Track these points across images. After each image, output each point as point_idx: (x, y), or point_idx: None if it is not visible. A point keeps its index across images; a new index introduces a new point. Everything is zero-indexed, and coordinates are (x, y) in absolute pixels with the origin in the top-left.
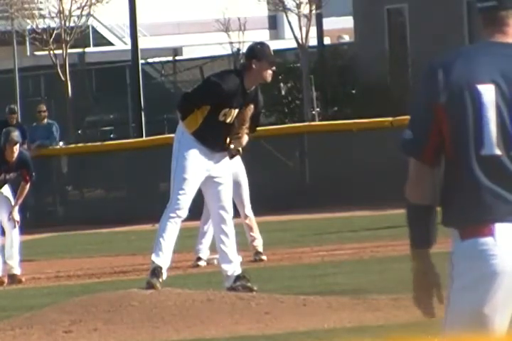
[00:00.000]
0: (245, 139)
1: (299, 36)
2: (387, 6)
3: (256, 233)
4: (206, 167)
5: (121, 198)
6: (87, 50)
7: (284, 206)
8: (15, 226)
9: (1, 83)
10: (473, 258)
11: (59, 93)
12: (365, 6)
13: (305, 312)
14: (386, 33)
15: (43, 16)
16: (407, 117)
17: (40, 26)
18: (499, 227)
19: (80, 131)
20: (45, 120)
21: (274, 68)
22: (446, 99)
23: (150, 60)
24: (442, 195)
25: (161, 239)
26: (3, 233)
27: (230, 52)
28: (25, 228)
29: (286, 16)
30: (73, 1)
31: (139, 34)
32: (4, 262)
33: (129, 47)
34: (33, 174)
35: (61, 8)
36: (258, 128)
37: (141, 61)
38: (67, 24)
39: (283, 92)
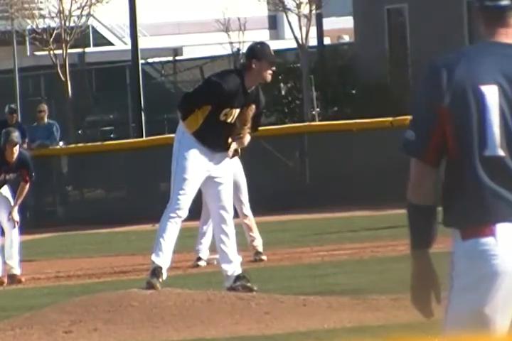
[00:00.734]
0: (247, 139)
1: (299, 36)
2: (387, 6)
3: (255, 233)
4: (207, 167)
5: (121, 198)
6: (87, 50)
7: (284, 206)
8: (14, 227)
9: (1, 83)
10: (474, 258)
11: (59, 93)
12: (365, 6)
13: (305, 312)
14: (386, 33)
15: (43, 16)
16: (407, 117)
17: (40, 26)
18: (500, 228)
19: (80, 131)
20: (46, 120)
21: (274, 68)
22: (449, 101)
23: (150, 60)
24: (444, 195)
25: (161, 239)
26: (3, 233)
27: (230, 52)
28: (25, 228)
29: (286, 16)
30: (73, 1)
31: (139, 34)
32: (4, 262)
33: (129, 47)
34: (33, 174)
35: (61, 8)
36: (258, 128)
37: (141, 61)
38: (67, 24)
39: (283, 92)
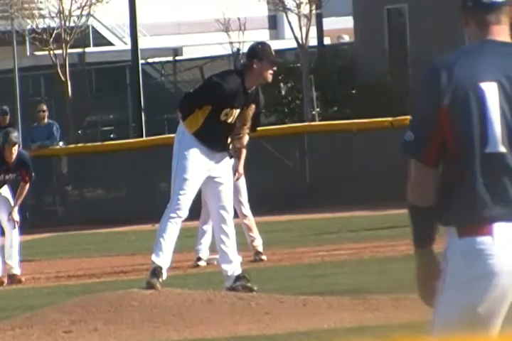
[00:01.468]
0: (246, 139)
1: (299, 36)
2: (387, 6)
3: (255, 233)
4: (207, 167)
5: (121, 198)
6: (87, 50)
7: (284, 206)
8: (15, 227)
9: (1, 83)
10: (471, 256)
11: (59, 93)
12: (365, 6)
13: (305, 312)
14: (386, 33)
15: (43, 16)
16: (407, 117)
17: (40, 26)
18: (498, 227)
19: (80, 131)
20: (46, 120)
21: (275, 68)
22: (450, 100)
23: (150, 60)
24: (442, 194)
25: (161, 239)
26: (3, 233)
27: (230, 52)
28: (25, 228)
29: (286, 16)
30: (73, 1)
31: (139, 34)
32: (4, 262)
33: (129, 47)
34: (33, 174)
35: (61, 8)
36: (258, 128)
37: (141, 61)
38: (67, 24)
39: (283, 92)
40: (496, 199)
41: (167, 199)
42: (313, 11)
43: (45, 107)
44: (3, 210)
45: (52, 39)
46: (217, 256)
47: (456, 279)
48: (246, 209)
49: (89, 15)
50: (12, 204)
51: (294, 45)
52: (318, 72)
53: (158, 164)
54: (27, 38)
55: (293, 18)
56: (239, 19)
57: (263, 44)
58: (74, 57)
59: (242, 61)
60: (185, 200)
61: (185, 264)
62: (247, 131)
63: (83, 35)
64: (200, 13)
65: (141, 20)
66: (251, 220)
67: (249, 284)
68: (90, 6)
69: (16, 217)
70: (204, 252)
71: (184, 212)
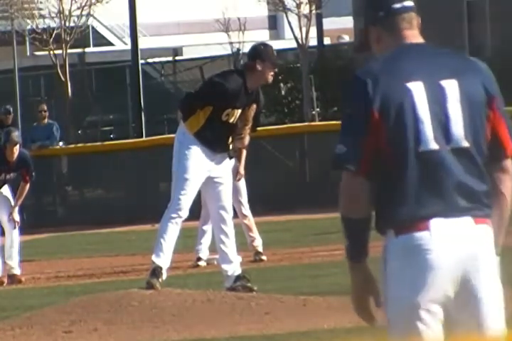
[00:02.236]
0: (247, 139)
1: (299, 36)
2: None
3: (255, 233)
4: (208, 167)
5: (121, 198)
6: (87, 50)
7: (284, 206)
8: (15, 227)
9: (1, 83)
10: (409, 252)
11: (59, 93)
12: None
13: (305, 312)
14: None
15: (43, 16)
16: None
17: (40, 26)
18: (435, 222)
19: (80, 131)
20: (46, 120)
21: (276, 69)
22: (380, 105)
23: (150, 60)
24: (378, 201)
25: (161, 240)
26: (3, 233)
27: (230, 52)
28: (25, 228)
29: (286, 16)
30: (73, 1)
31: (139, 34)
32: (4, 262)
33: (129, 47)
34: (33, 174)
35: (61, 8)
36: (258, 128)
37: (141, 61)
38: (67, 24)
39: (283, 92)
40: (432, 196)
41: (167, 199)
42: (313, 11)
43: (45, 107)
44: (4, 210)
45: (52, 39)
46: (217, 256)
47: (397, 278)
48: (246, 209)
49: (89, 15)
50: (12, 204)
51: (294, 45)
52: (318, 72)
53: (158, 164)
54: (27, 38)
55: (293, 18)
56: (239, 19)
57: (265, 45)
58: (74, 57)
59: (242, 61)
60: (185, 200)
61: (185, 264)
62: (249, 131)
63: (83, 35)
64: (200, 13)
65: (141, 20)
66: (251, 220)
67: (249, 284)
68: (90, 6)
69: (17, 217)
70: (204, 252)
71: (185, 212)
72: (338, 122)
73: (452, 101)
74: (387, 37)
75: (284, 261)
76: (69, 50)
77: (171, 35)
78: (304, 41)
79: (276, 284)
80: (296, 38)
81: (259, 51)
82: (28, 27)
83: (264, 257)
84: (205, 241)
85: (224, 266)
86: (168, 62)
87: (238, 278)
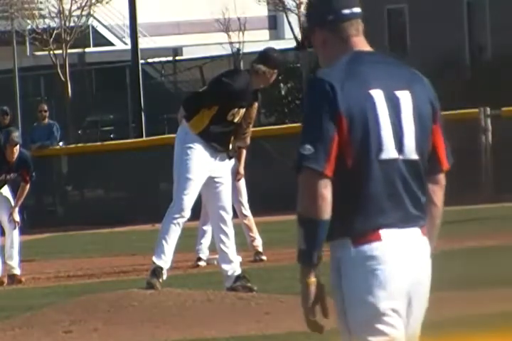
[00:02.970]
0: (249, 138)
1: (299, 36)
2: (387, 6)
3: (255, 233)
4: (209, 167)
5: (121, 198)
6: (87, 50)
7: (284, 206)
8: (15, 227)
9: (1, 83)
10: (367, 263)
11: (59, 93)
12: (365, 6)
13: None
14: (386, 33)
15: (43, 16)
16: None
17: (40, 26)
18: (393, 233)
19: (80, 131)
20: (46, 120)
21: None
22: (346, 109)
23: (150, 60)
24: (337, 205)
25: (163, 241)
26: (3, 233)
27: (230, 52)
28: (25, 228)
29: (286, 16)
30: (73, 1)
31: (139, 34)
32: (4, 262)
33: (129, 47)
34: (33, 174)
35: (61, 8)
36: (258, 129)
37: (141, 61)
38: (67, 24)
39: (283, 92)
40: (391, 207)
41: (167, 199)
42: None
43: (45, 107)
44: (4, 211)
45: (52, 39)
46: (217, 256)
47: (356, 290)
48: (246, 209)
49: (89, 15)
50: (12, 204)
51: (294, 45)
52: None
53: (158, 164)
54: (27, 38)
55: (293, 18)
56: (239, 19)
57: (275, 51)
58: (74, 57)
59: (242, 61)
60: (188, 200)
61: (185, 264)
62: (251, 129)
63: (83, 35)
64: (200, 13)
65: (141, 20)
66: (251, 220)
67: (249, 284)
68: (90, 6)
69: (17, 217)
70: (204, 252)
71: (187, 212)
72: None
73: (406, 113)
74: (333, 41)
75: (284, 261)
76: (69, 50)
77: (171, 35)
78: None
79: (276, 284)
80: (296, 38)
81: (270, 57)
82: (28, 27)
83: (264, 257)
84: (205, 241)
85: (224, 266)
86: (168, 62)
87: (238, 278)
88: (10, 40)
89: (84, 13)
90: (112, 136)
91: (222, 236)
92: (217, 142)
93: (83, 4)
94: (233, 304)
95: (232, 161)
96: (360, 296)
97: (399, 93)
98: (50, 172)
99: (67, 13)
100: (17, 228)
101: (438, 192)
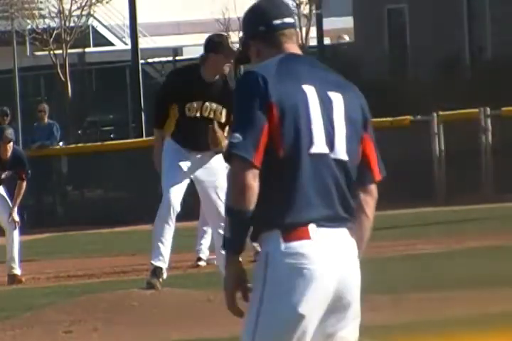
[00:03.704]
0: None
1: (299, 36)
2: (387, 6)
3: None
4: (186, 165)
5: (121, 198)
6: (87, 50)
7: None
8: (15, 227)
9: (1, 83)
10: (294, 260)
11: (59, 93)
12: (365, 6)
13: None
14: (386, 33)
15: (43, 16)
16: (407, 117)
17: (40, 26)
18: (320, 230)
19: (80, 131)
20: (46, 120)
21: (232, 60)
22: (278, 102)
23: (150, 60)
24: (266, 197)
25: (158, 243)
26: (3, 233)
27: None
28: (25, 228)
29: None
30: (73, 1)
31: (139, 34)
32: (4, 262)
33: (129, 47)
34: (29, 172)
35: (61, 8)
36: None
37: (141, 61)
38: (67, 24)
39: None
40: (320, 202)
41: None
42: (313, 11)
43: (45, 107)
44: (3, 210)
45: (52, 39)
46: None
47: (279, 286)
48: None
49: (89, 15)
50: (10, 204)
51: None
52: None
53: None
54: (27, 38)
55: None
56: (239, 19)
57: (220, 36)
58: (74, 57)
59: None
60: (172, 198)
61: (185, 264)
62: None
63: (83, 35)
64: (200, 13)
65: (141, 20)
66: None
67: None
68: (90, 6)
69: (16, 217)
70: (204, 252)
71: (174, 210)
72: None
73: (337, 114)
74: (267, 50)
75: None
76: (69, 50)
77: (171, 35)
78: (304, 41)
79: None
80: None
81: (213, 43)
82: (28, 27)
83: None
84: (205, 242)
85: (223, 267)
86: (168, 62)
87: None
88: (10, 40)
89: (84, 13)
90: (111, 136)
91: (221, 237)
92: (188, 140)
93: (83, 4)
94: None
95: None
96: (280, 294)
97: (331, 94)
98: (50, 172)
99: (67, 13)
100: (17, 228)
101: (370, 203)
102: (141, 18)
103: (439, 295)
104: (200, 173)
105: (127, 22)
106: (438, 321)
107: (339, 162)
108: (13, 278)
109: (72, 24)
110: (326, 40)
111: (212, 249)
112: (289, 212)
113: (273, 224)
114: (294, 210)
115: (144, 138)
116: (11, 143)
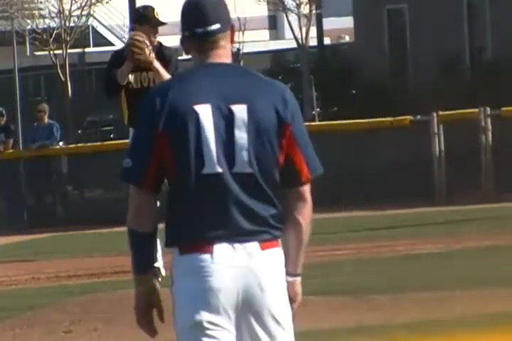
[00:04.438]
0: None
1: (298, 36)
2: (387, 6)
3: None
4: None
5: (121, 198)
6: (87, 50)
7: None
8: None
9: (1, 83)
10: (191, 273)
11: (59, 93)
12: (365, 6)
13: (305, 312)
14: (386, 33)
15: (43, 16)
16: (407, 117)
17: (40, 26)
18: (218, 246)
19: (80, 131)
20: (46, 120)
21: (158, 31)
22: (166, 124)
23: None
24: (168, 215)
25: None
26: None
27: None
28: (25, 228)
29: (286, 16)
30: (73, 1)
31: None
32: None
33: None
34: None
35: (61, 8)
36: None
37: None
38: (67, 24)
39: None
40: (217, 219)
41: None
42: (313, 11)
43: (45, 107)
44: None
45: (52, 39)
46: None
47: (182, 295)
48: None
49: (89, 15)
50: None
51: (294, 45)
52: (318, 72)
53: None
54: (27, 38)
55: (293, 18)
56: (239, 19)
57: (145, 8)
58: (74, 57)
59: (242, 61)
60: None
61: None
62: None
63: (83, 35)
64: None
65: None
66: None
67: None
68: (90, 6)
69: None
70: None
71: None
72: (339, 122)
73: (239, 127)
74: (192, 53)
75: None
76: (69, 50)
77: (171, 35)
78: (304, 41)
79: None
80: (296, 38)
81: (137, 15)
82: (28, 27)
83: None
84: None
85: None
86: None
87: None
88: (10, 40)
89: (84, 13)
90: (111, 136)
91: None
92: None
93: (83, 4)
94: None
95: None
96: (180, 305)
97: (234, 107)
98: (50, 172)
99: (67, 13)
100: None
101: (301, 209)
102: None
103: (439, 295)
104: None
105: (127, 22)
106: (438, 321)
107: (243, 176)
108: None
109: (72, 24)
110: (326, 40)
111: None
112: (186, 231)
113: (174, 241)
114: (190, 229)
115: None
116: None
